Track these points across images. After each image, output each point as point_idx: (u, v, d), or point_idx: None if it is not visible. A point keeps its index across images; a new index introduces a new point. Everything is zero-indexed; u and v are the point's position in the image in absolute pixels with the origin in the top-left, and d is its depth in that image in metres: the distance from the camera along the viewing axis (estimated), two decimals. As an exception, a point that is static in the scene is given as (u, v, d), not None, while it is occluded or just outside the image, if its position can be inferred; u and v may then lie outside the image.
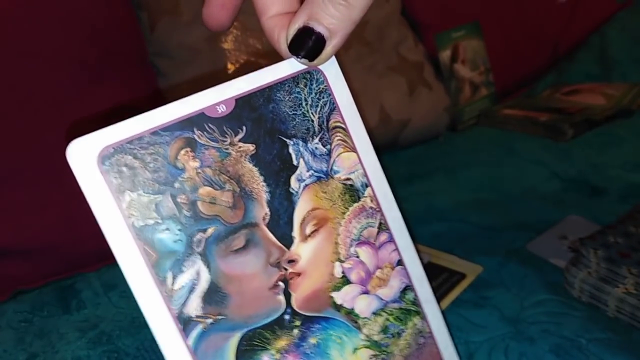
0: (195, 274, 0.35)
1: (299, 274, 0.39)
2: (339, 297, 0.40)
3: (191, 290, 0.35)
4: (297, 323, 0.39)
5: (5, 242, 0.65)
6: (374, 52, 0.97)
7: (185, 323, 0.35)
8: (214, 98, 0.37)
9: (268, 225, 0.38)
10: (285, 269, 0.38)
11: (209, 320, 0.36)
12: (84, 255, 0.69)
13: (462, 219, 0.70)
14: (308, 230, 0.39)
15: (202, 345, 0.35)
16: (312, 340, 0.39)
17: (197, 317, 0.35)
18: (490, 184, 0.80)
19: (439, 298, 0.54)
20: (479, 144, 0.97)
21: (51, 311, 0.64)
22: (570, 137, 0.89)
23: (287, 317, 0.38)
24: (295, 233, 0.39)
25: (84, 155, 0.34)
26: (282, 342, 0.38)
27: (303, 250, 0.39)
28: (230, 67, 0.85)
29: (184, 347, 0.35)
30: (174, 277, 0.35)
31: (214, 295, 0.36)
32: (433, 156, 0.95)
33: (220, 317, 0.36)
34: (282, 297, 0.38)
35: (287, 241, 0.38)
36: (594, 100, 1.00)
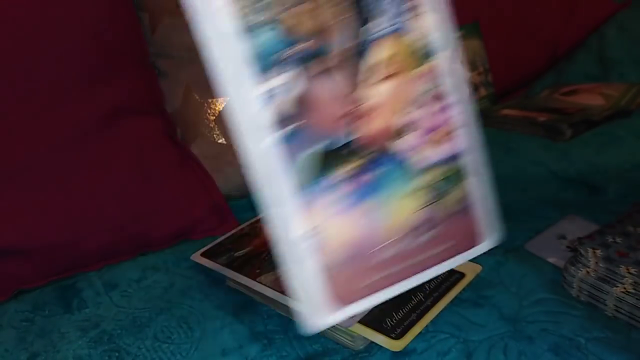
0: (288, 80, 0.39)
1: (367, 113, 0.43)
2: (398, 144, 0.44)
3: (283, 93, 0.39)
4: (363, 155, 0.43)
5: (6, 242, 0.65)
6: (374, 52, 0.97)
7: (275, 123, 0.39)
8: None
9: (348, 60, 0.41)
10: (357, 104, 0.42)
11: (294, 126, 0.40)
12: (85, 255, 0.69)
13: (461, 218, 0.71)
14: (381, 76, 0.43)
15: (286, 145, 0.40)
16: (373, 174, 0.43)
17: (285, 118, 0.40)
18: (489, 184, 0.80)
19: (437, 297, 0.54)
20: (477, 144, 0.97)
21: (52, 310, 0.64)
22: (569, 137, 0.89)
23: (356, 146, 0.42)
24: (370, 75, 0.42)
25: None
26: (349, 166, 0.42)
27: (374, 92, 0.43)
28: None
29: (269, 144, 0.39)
30: (269, 79, 0.39)
31: (299, 106, 0.40)
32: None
33: (303, 126, 0.40)
34: (352, 128, 0.42)
35: (362, 80, 0.42)
36: (593, 101, 1.00)
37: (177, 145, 0.81)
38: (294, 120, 0.40)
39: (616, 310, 0.51)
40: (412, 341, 0.50)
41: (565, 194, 0.75)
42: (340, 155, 0.42)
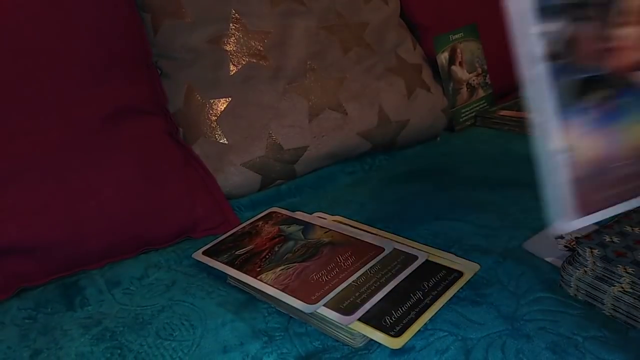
0: (559, 24, 0.47)
1: (617, 50, 0.48)
2: None
3: (554, 35, 0.46)
4: (610, 86, 0.49)
5: (9, 240, 0.65)
6: (373, 54, 0.98)
7: (549, 56, 0.46)
8: None
9: (602, 8, 0.48)
10: (610, 44, 0.48)
11: (564, 60, 0.47)
12: (87, 253, 0.70)
13: (459, 218, 0.71)
14: (629, 20, 0.49)
15: (556, 74, 0.47)
16: (616, 104, 0.49)
17: (558, 54, 0.46)
18: (487, 184, 0.80)
19: (436, 296, 0.55)
20: (476, 144, 0.98)
21: (55, 308, 0.64)
22: (567, 139, 0.89)
23: (605, 78, 0.48)
24: (620, 19, 0.48)
25: None
26: (604, 93, 0.49)
27: (623, 33, 0.48)
28: (233, 69, 0.85)
29: (544, 71, 0.46)
30: (547, 22, 0.46)
31: (569, 45, 0.47)
32: (431, 156, 0.96)
33: (571, 60, 0.47)
34: (604, 63, 0.49)
35: (616, 22, 0.48)
36: (590, 102, 1.00)
37: (179, 145, 0.82)
38: (561, 56, 0.47)
39: (614, 310, 0.51)
40: (411, 339, 0.51)
41: (563, 194, 0.75)
42: (594, 85, 0.48)
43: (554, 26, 0.47)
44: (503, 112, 1.06)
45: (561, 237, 0.63)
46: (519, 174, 0.82)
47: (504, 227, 0.67)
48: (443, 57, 1.08)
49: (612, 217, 0.59)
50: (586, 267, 0.53)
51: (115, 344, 0.56)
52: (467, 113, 1.10)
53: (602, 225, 0.58)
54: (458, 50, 1.10)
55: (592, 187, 0.50)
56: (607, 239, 0.55)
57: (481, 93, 1.13)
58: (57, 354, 0.57)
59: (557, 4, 0.47)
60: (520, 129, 0.98)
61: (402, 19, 1.08)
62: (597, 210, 0.51)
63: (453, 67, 1.09)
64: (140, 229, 0.72)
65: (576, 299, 0.54)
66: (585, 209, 0.50)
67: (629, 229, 0.56)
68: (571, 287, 0.54)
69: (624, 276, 0.50)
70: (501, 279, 0.58)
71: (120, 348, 0.56)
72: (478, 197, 0.77)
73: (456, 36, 1.10)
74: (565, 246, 0.61)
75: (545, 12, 0.46)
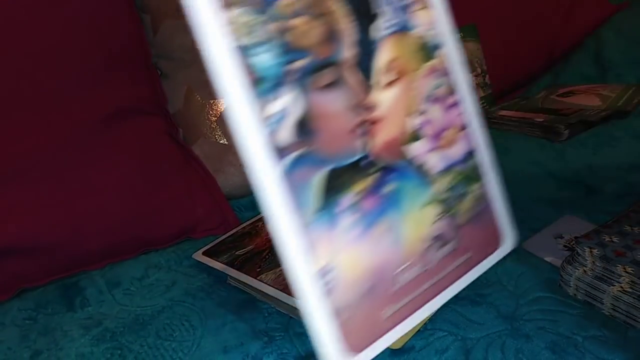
0: (289, 102, 0.36)
1: (378, 121, 0.40)
2: (412, 150, 0.42)
3: (284, 117, 0.36)
4: (375, 169, 0.40)
5: (9, 241, 0.65)
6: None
7: (277, 150, 0.36)
8: None
9: (353, 67, 0.39)
10: (366, 114, 0.40)
11: (299, 151, 0.36)
12: (87, 253, 0.70)
13: (459, 218, 0.71)
14: (388, 79, 0.41)
15: (292, 175, 0.36)
16: (388, 189, 0.41)
17: (289, 145, 0.36)
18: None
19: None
20: (476, 144, 0.98)
21: (55, 309, 0.64)
22: (566, 138, 0.90)
23: (365, 161, 0.40)
24: (377, 80, 0.40)
25: None
26: (361, 186, 0.39)
27: (382, 98, 0.40)
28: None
29: (274, 174, 0.36)
30: (269, 102, 0.35)
31: (304, 127, 0.37)
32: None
33: (309, 149, 0.37)
34: (362, 141, 0.40)
35: (368, 87, 0.40)
36: (590, 102, 1.00)
37: (179, 145, 0.82)
38: (302, 143, 0.37)
39: (613, 309, 0.51)
40: (411, 339, 0.51)
41: (563, 193, 0.75)
42: (353, 173, 0.39)
43: (285, 100, 0.36)
44: (503, 112, 1.06)
45: (560, 236, 0.63)
46: (519, 173, 0.82)
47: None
48: (442, 57, 1.08)
49: (611, 217, 0.59)
50: (585, 266, 0.53)
51: (116, 344, 0.57)
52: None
53: (602, 224, 0.58)
54: (457, 50, 1.10)
55: (371, 308, 0.40)
56: (607, 238, 0.55)
57: (480, 93, 1.13)
58: (58, 355, 0.57)
59: (281, 71, 0.36)
60: (520, 129, 0.97)
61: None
62: (386, 333, 0.41)
63: (452, 67, 1.09)
64: (141, 230, 0.72)
65: (575, 298, 0.54)
66: (367, 340, 0.40)
67: (628, 228, 0.56)
68: (570, 286, 0.54)
69: (623, 276, 0.51)
70: (501, 278, 0.58)
71: (120, 348, 0.56)
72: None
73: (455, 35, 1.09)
74: (565, 246, 0.61)
75: (270, 84, 0.35)
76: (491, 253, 0.47)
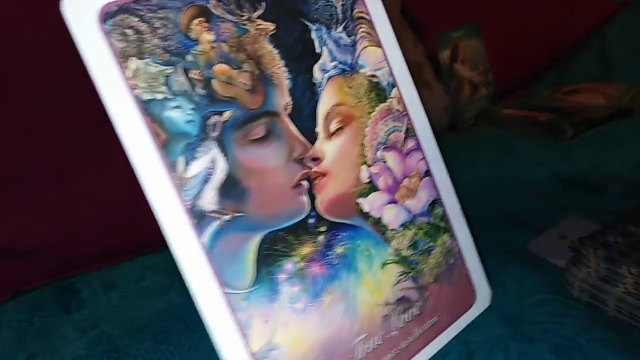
0: (211, 162, 0.32)
1: (323, 175, 0.36)
2: (366, 204, 0.37)
3: (206, 180, 0.32)
4: (323, 229, 0.36)
5: (5, 242, 0.65)
6: (374, 52, 0.97)
7: (199, 218, 0.31)
8: None
9: (290, 117, 0.34)
10: (309, 167, 0.35)
11: (227, 217, 0.32)
12: (84, 256, 0.69)
13: (462, 219, 0.70)
14: (333, 128, 0.36)
15: (219, 245, 0.32)
16: (339, 250, 0.36)
17: (213, 212, 0.32)
18: (490, 184, 0.80)
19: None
20: (479, 143, 0.97)
21: (51, 311, 0.64)
22: (570, 137, 0.89)
23: (311, 221, 0.35)
24: (320, 129, 0.36)
25: (84, 11, 0.30)
26: (307, 249, 0.35)
27: (328, 149, 0.36)
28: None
29: (198, 246, 0.31)
30: (187, 164, 0.31)
31: (232, 189, 0.32)
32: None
33: (238, 214, 0.32)
34: (306, 198, 0.35)
35: (311, 137, 0.35)
36: (594, 100, 1.00)
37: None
38: (231, 207, 0.32)
39: (618, 311, 0.50)
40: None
41: (567, 194, 0.75)
42: (296, 235, 0.34)
43: (206, 161, 0.32)
44: (506, 111, 1.05)
45: (565, 237, 0.62)
46: (523, 173, 0.82)
47: (507, 228, 0.67)
48: (445, 56, 1.07)
49: (616, 217, 0.58)
50: (590, 268, 0.52)
51: (112, 347, 0.56)
52: (469, 112, 1.10)
53: (606, 225, 0.57)
54: (460, 48, 1.09)
55: None
56: (611, 239, 0.54)
57: (484, 91, 1.13)
58: (54, 358, 0.56)
59: (199, 127, 0.31)
60: (523, 128, 0.97)
61: (403, 17, 1.07)
62: None
63: (455, 66, 1.08)
64: (137, 232, 0.72)
65: (580, 300, 0.53)
66: None
67: (633, 229, 0.55)
68: (575, 288, 0.53)
69: (628, 277, 0.50)
70: (504, 280, 0.57)
71: (117, 352, 0.55)
72: (481, 197, 0.76)
73: (458, 34, 1.09)
74: (569, 247, 0.60)
75: (178, 142, 0.31)
76: (464, 313, 0.42)
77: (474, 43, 1.11)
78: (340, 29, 0.37)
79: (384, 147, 0.38)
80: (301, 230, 0.35)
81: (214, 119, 0.32)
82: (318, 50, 0.36)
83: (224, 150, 0.32)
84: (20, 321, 0.63)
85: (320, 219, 0.35)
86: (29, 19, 0.68)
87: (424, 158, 0.40)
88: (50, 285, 0.69)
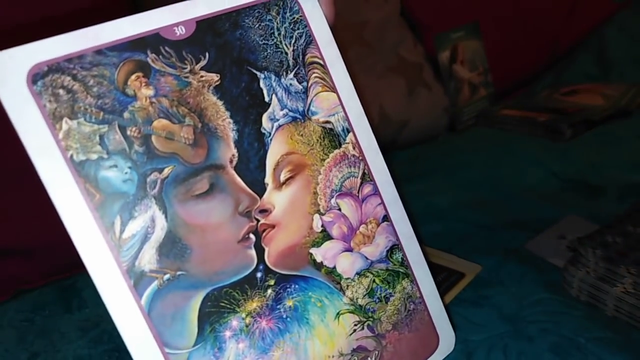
0: (149, 221, 0.30)
1: (272, 226, 0.34)
2: (319, 253, 0.36)
3: (144, 239, 0.30)
4: (271, 282, 0.34)
5: (6, 242, 0.65)
6: (373, 52, 0.97)
7: (137, 278, 0.30)
8: (170, 18, 0.32)
9: (236, 169, 0.33)
10: (257, 220, 0.34)
11: (167, 276, 0.31)
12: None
13: (461, 218, 0.71)
14: (283, 177, 0.35)
15: (159, 305, 0.30)
16: (289, 303, 0.35)
17: (152, 271, 0.30)
18: (489, 184, 0.80)
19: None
20: (477, 144, 0.98)
21: (52, 310, 0.64)
22: (569, 138, 0.89)
23: (259, 274, 0.34)
24: (268, 179, 0.34)
25: (11, 72, 0.28)
26: (253, 304, 0.33)
27: (277, 199, 0.35)
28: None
29: (135, 308, 0.30)
30: (123, 224, 0.30)
31: (172, 247, 0.31)
32: (432, 156, 0.95)
33: (179, 272, 0.31)
34: (253, 252, 0.33)
35: (259, 188, 0.34)
36: (593, 101, 1.00)
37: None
38: (171, 266, 0.31)
39: (616, 310, 0.51)
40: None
41: (565, 194, 0.75)
42: (243, 290, 0.33)
43: (137, 223, 0.30)
44: (505, 112, 1.05)
45: (563, 237, 0.62)
46: (522, 173, 0.82)
47: (506, 228, 0.67)
48: (444, 56, 1.07)
49: (614, 217, 0.59)
50: (588, 267, 0.53)
51: (113, 346, 0.56)
52: (468, 112, 1.10)
53: (605, 225, 0.57)
54: (459, 49, 1.09)
55: None
56: (610, 239, 0.54)
57: (483, 92, 1.13)
58: (55, 357, 0.56)
59: (136, 185, 0.30)
60: (522, 128, 0.97)
61: (402, 18, 1.08)
62: None
63: (454, 66, 1.09)
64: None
65: (578, 299, 0.53)
66: None
67: (631, 229, 0.55)
68: (573, 288, 0.53)
69: (626, 276, 0.50)
70: (503, 280, 0.57)
71: (118, 351, 0.55)
72: (480, 197, 0.76)
73: (457, 35, 1.09)
74: (568, 246, 0.61)
75: (114, 202, 0.29)
76: (426, 359, 0.40)
77: (473, 44, 1.12)
78: (291, 75, 0.36)
79: (338, 193, 0.37)
80: (248, 285, 0.33)
81: (153, 176, 0.31)
82: (267, 99, 0.35)
83: (164, 207, 0.31)
84: (21, 320, 0.63)
85: (268, 272, 0.34)
86: (29, 20, 0.69)
87: (382, 203, 0.39)
88: (51, 284, 0.69)
